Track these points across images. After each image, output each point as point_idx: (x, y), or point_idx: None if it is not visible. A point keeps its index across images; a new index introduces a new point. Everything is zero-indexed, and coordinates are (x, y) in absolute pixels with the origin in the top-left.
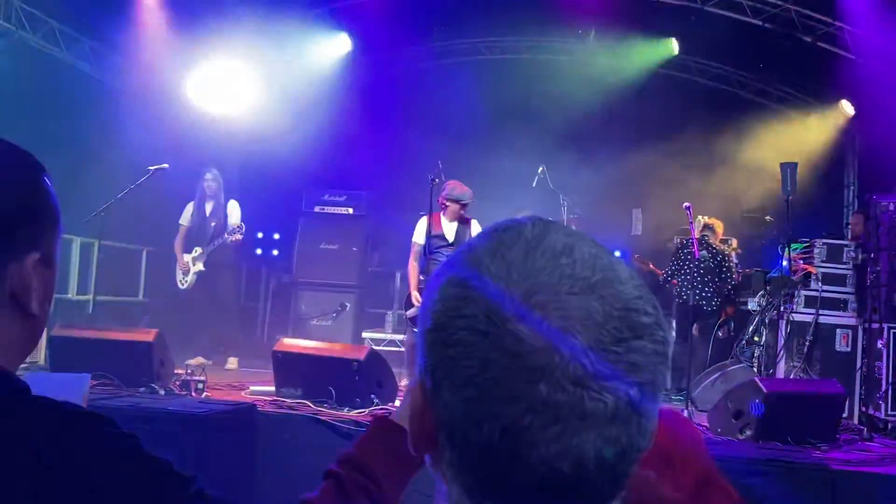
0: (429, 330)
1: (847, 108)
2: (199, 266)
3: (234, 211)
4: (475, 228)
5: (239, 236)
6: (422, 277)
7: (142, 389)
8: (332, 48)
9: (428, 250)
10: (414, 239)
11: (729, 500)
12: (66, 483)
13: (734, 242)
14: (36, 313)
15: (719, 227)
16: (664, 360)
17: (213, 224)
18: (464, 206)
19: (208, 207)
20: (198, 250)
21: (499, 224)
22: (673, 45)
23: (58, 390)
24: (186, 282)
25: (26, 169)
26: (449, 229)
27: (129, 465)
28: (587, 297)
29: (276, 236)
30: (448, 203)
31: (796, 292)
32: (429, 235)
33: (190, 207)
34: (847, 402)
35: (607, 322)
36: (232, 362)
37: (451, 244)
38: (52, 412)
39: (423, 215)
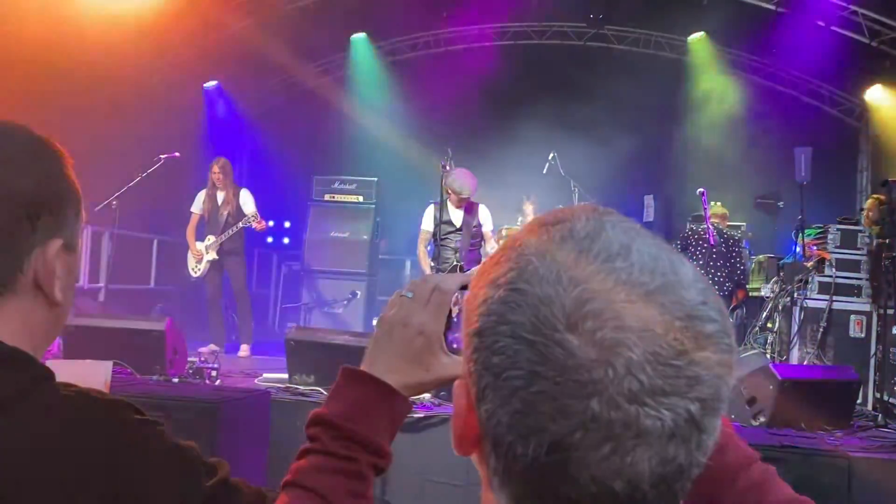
0: (472, 333)
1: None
2: (212, 254)
3: (247, 200)
4: (482, 213)
5: (262, 223)
6: (432, 264)
7: (155, 377)
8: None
9: (438, 236)
10: (422, 226)
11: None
12: (91, 470)
13: (743, 227)
14: (59, 300)
15: (725, 212)
16: (729, 371)
17: (225, 213)
18: (464, 199)
19: (220, 196)
20: (210, 239)
21: (549, 216)
22: (700, 36)
23: (80, 377)
24: (199, 270)
25: (48, 155)
26: (456, 215)
27: (155, 451)
28: (645, 306)
29: (287, 224)
30: (450, 192)
31: (810, 278)
32: (439, 222)
33: (201, 196)
34: (861, 389)
35: (668, 333)
36: (244, 349)
37: (459, 229)
38: (78, 399)
39: (431, 203)
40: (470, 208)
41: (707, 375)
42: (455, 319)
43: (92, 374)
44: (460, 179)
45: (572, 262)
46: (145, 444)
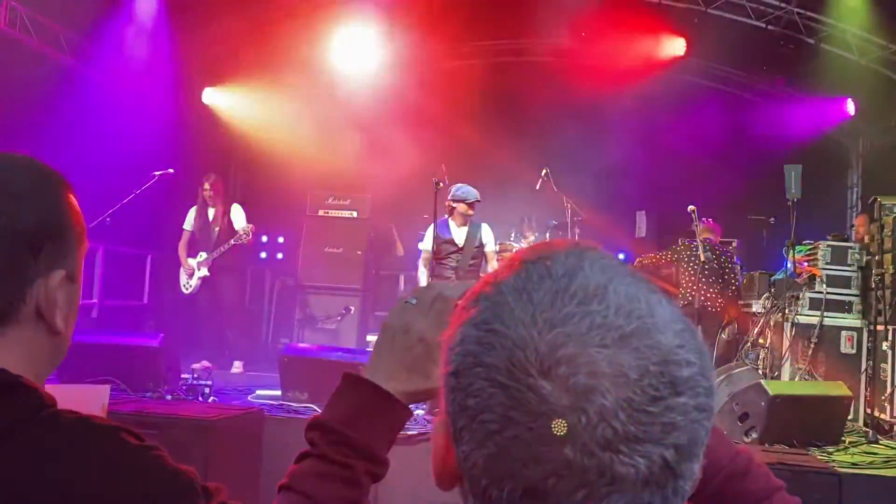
0: (449, 373)
1: (850, 107)
2: (204, 271)
3: (238, 215)
4: (486, 232)
5: (248, 238)
6: (432, 281)
7: (148, 394)
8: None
9: (436, 255)
10: (422, 246)
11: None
12: (91, 496)
13: (734, 244)
14: (61, 329)
15: (716, 231)
16: (707, 416)
17: (216, 229)
18: (470, 205)
19: (211, 213)
20: (203, 255)
21: (529, 252)
22: (680, 45)
23: (79, 401)
24: (191, 286)
25: (51, 186)
26: (458, 234)
27: (155, 477)
28: (619, 351)
29: (281, 240)
30: (455, 203)
31: (801, 294)
32: (436, 241)
33: (193, 212)
34: (852, 405)
35: (643, 378)
36: (237, 366)
37: (461, 249)
38: (79, 426)
39: (431, 223)
40: (474, 227)
41: (683, 421)
42: None
43: (90, 399)
44: (463, 186)
45: (548, 303)
46: (145, 469)
